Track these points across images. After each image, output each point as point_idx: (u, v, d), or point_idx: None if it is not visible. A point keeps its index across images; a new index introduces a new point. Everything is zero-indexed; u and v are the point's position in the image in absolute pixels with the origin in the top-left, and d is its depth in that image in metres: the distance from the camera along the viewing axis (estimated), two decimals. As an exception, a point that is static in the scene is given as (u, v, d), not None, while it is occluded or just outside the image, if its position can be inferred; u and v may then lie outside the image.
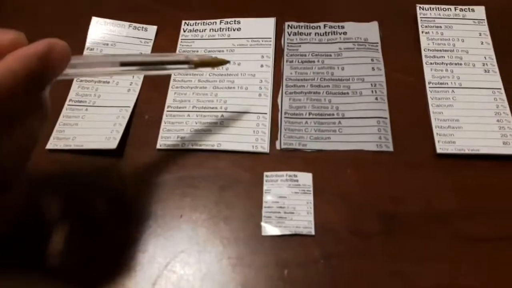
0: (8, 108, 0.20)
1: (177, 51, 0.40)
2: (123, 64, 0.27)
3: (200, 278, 0.29)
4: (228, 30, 0.40)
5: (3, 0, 0.44)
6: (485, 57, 0.37)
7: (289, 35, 0.40)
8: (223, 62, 0.32)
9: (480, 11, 0.40)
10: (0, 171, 0.23)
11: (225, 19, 0.41)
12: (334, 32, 0.40)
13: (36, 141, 0.24)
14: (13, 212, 0.26)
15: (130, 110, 0.36)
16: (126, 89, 0.37)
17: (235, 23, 0.41)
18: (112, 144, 0.34)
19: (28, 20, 0.43)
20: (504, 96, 0.35)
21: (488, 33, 0.39)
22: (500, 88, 0.36)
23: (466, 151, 0.33)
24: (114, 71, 0.27)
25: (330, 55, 0.39)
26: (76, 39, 0.40)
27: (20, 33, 0.22)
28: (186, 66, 0.29)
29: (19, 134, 0.22)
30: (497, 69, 0.37)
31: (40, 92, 0.22)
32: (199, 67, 0.30)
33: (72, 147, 0.34)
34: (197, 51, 0.39)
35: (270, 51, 0.39)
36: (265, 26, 0.40)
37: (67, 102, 0.37)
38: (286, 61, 0.39)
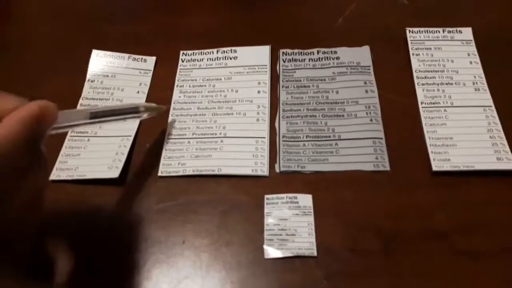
0: (15, 164, 0.22)
1: (175, 81, 0.41)
2: (92, 114, 0.29)
3: (205, 303, 0.29)
4: (225, 59, 0.42)
5: (8, 37, 0.46)
6: (474, 76, 0.39)
7: (284, 61, 0.41)
8: (161, 109, 0.36)
9: (467, 32, 0.41)
10: (16, 223, 0.24)
11: (222, 48, 0.42)
12: (327, 57, 0.41)
13: (42, 189, 0.26)
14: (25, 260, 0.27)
15: (131, 139, 0.37)
16: (127, 118, 0.38)
17: (231, 52, 0.42)
18: (114, 173, 0.34)
19: (31, 55, 0.44)
20: (495, 113, 0.36)
21: (476, 53, 0.40)
22: (490, 106, 0.37)
23: (461, 168, 0.33)
24: (84, 123, 0.29)
25: (324, 79, 0.40)
26: (79, 71, 0.42)
27: (24, 100, 0.24)
28: (137, 114, 0.33)
29: (26, 186, 0.24)
30: (486, 87, 0.38)
31: (38, 146, 0.25)
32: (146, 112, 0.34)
33: (75, 177, 0.35)
34: (195, 80, 0.41)
35: (266, 77, 0.40)
36: (261, 53, 0.42)
37: (69, 134, 0.38)
38: (282, 86, 0.40)
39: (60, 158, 0.36)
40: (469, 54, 0.40)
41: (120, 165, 0.35)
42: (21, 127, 0.22)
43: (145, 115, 0.34)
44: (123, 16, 0.46)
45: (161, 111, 0.36)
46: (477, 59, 0.40)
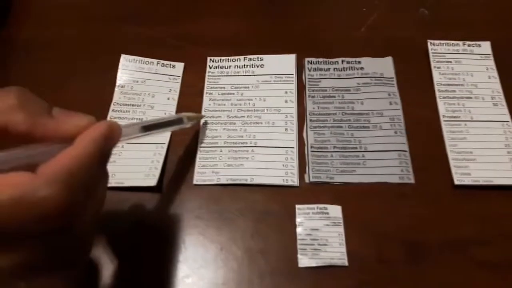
0: (90, 183, 0.23)
1: (205, 88, 0.42)
2: (144, 128, 0.31)
3: (244, 309, 0.31)
4: (252, 67, 0.43)
5: (34, 39, 0.46)
6: (492, 91, 0.40)
7: (309, 70, 0.43)
8: (201, 118, 0.39)
9: (486, 46, 0.43)
10: (81, 242, 0.25)
11: (248, 56, 0.43)
12: (351, 67, 0.42)
13: (102, 205, 0.27)
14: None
15: (165, 146, 0.38)
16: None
17: (258, 60, 0.43)
18: (152, 181, 0.36)
19: (56, 58, 0.45)
20: (512, 129, 0.38)
21: (494, 67, 0.42)
22: (508, 121, 0.39)
23: (481, 182, 0.36)
24: (136, 136, 0.30)
25: (349, 90, 0.41)
26: (105, 76, 0.43)
27: (92, 118, 0.25)
28: (181, 124, 0.35)
29: (93, 204, 0.25)
30: (504, 102, 0.40)
31: (106, 165, 0.26)
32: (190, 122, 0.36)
33: (113, 184, 0.36)
34: (224, 88, 0.42)
35: (293, 86, 0.41)
36: (287, 62, 0.43)
37: (103, 140, 0.39)
38: (308, 96, 0.41)
39: (96, 164, 0.37)
40: (487, 69, 0.42)
41: (157, 173, 0.36)
42: (93, 148, 0.23)
43: (188, 124, 0.35)
44: (147, 20, 0.47)
45: (201, 119, 0.39)
46: (495, 74, 0.41)
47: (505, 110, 0.39)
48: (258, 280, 0.33)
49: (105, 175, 0.27)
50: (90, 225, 0.26)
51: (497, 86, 0.41)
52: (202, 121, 0.40)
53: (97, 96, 0.42)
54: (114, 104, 0.41)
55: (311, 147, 0.38)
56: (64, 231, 0.23)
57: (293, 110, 0.40)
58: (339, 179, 0.37)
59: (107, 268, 0.33)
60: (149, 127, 0.31)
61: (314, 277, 0.33)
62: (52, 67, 0.44)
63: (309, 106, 0.41)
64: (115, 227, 0.35)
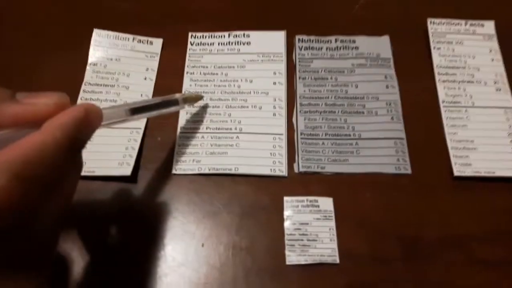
0: (53, 175, 0.20)
1: (185, 67, 0.38)
2: (132, 110, 0.27)
3: (227, 311, 0.29)
4: (238, 44, 0.39)
5: (2, 16, 0.41)
6: (496, 75, 0.38)
7: (300, 49, 0.39)
8: (199, 98, 0.36)
9: (489, 26, 0.40)
10: (44, 236, 0.22)
11: (234, 32, 0.40)
12: (345, 46, 0.39)
13: (70, 200, 0.24)
14: None
15: (141, 132, 0.35)
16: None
17: (244, 37, 0.39)
18: (126, 170, 0.33)
19: (28, 34, 0.40)
20: (516, 116, 0.36)
21: (498, 49, 0.39)
22: (511, 107, 0.36)
23: (482, 174, 0.33)
24: (125, 119, 0.27)
25: (343, 72, 0.38)
26: (78, 52, 0.39)
27: (63, 94, 0.22)
28: (176, 106, 0.32)
29: (59, 195, 0.21)
30: (508, 87, 0.37)
31: (78, 153, 0.23)
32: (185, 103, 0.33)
33: (83, 173, 0.32)
34: (206, 67, 0.38)
35: (282, 67, 0.38)
36: (276, 39, 0.39)
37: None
38: (299, 77, 0.38)
39: (64, 150, 0.34)
40: (490, 51, 0.39)
41: (132, 162, 0.33)
42: (60, 134, 0.20)
43: (184, 106, 0.33)
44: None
45: (199, 100, 0.36)
46: (499, 56, 0.38)
47: (509, 96, 0.37)
48: (243, 278, 0.30)
49: (76, 166, 0.23)
50: (54, 224, 0.22)
51: (501, 69, 0.38)
52: (201, 103, 0.36)
53: (67, 75, 0.38)
54: (85, 84, 0.37)
55: (301, 134, 0.35)
56: (17, 229, 0.20)
57: (282, 93, 0.37)
58: (330, 169, 0.34)
59: (77, 266, 0.30)
60: (138, 110, 0.28)
61: (302, 275, 0.30)
62: (20, 43, 0.40)
63: (300, 88, 0.37)
64: (85, 220, 0.32)
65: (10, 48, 0.40)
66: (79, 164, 0.24)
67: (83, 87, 0.37)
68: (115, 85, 0.37)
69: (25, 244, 0.21)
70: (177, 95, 0.32)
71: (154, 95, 0.37)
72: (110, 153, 0.34)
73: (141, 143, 0.35)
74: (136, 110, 0.27)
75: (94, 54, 0.38)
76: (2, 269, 0.20)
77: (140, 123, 0.35)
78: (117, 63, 0.38)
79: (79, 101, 0.36)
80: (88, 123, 0.22)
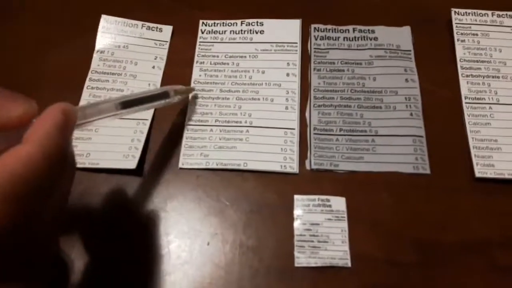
0: (45, 184, 0.19)
1: (195, 57, 0.37)
2: (122, 105, 0.27)
3: (232, 314, 0.28)
4: (250, 33, 0.37)
5: (9, 3, 0.40)
6: (523, 70, 0.35)
7: (316, 39, 0.37)
8: (190, 91, 0.35)
9: (518, 18, 0.37)
10: (43, 239, 0.22)
11: (247, 20, 0.38)
12: (364, 37, 0.37)
13: (66, 198, 0.23)
14: None
15: (148, 123, 0.33)
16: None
17: (257, 25, 0.38)
18: (131, 163, 0.31)
19: (34, 19, 0.39)
20: (544, 114, 0.33)
21: (526, 42, 0.36)
22: (539, 105, 0.34)
23: (506, 176, 0.31)
24: (114, 114, 0.26)
25: (361, 64, 0.36)
26: (85, 39, 0.37)
27: (31, 101, 0.20)
28: (167, 99, 0.31)
29: (54, 199, 0.21)
30: (536, 84, 0.35)
31: (66, 155, 0.22)
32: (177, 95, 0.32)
33: (87, 165, 0.32)
34: (217, 56, 0.37)
35: (296, 57, 0.36)
36: (290, 28, 0.38)
37: (78, 113, 0.34)
38: (314, 69, 0.36)
39: (69, 141, 0.33)
40: (519, 44, 0.36)
41: (137, 154, 0.32)
42: (48, 145, 0.19)
43: (176, 99, 0.31)
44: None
45: (190, 93, 0.34)
46: (528, 50, 0.36)
47: (537, 93, 0.34)
48: (249, 279, 0.29)
49: (68, 165, 0.22)
50: (50, 226, 0.22)
51: (529, 64, 0.36)
52: (191, 95, 0.35)
53: (74, 62, 0.37)
54: (92, 72, 0.36)
55: (314, 129, 0.34)
56: (13, 245, 0.19)
57: (295, 85, 0.35)
58: (344, 167, 0.32)
59: (78, 262, 0.29)
60: (128, 103, 0.27)
61: (312, 278, 0.29)
62: (25, 30, 0.39)
63: (314, 81, 0.36)
64: (87, 215, 0.31)
65: (16, 35, 0.38)
66: (71, 161, 0.23)
67: (89, 75, 0.36)
68: (122, 74, 0.36)
69: (22, 255, 0.20)
70: (167, 87, 0.31)
71: (162, 84, 0.36)
72: (115, 145, 0.33)
73: (148, 136, 0.33)
74: (126, 104, 0.26)
75: (101, 41, 0.37)
76: (3, 283, 0.20)
77: (147, 114, 0.34)
78: (125, 51, 0.37)
79: (85, 91, 0.35)
80: (68, 123, 0.21)
